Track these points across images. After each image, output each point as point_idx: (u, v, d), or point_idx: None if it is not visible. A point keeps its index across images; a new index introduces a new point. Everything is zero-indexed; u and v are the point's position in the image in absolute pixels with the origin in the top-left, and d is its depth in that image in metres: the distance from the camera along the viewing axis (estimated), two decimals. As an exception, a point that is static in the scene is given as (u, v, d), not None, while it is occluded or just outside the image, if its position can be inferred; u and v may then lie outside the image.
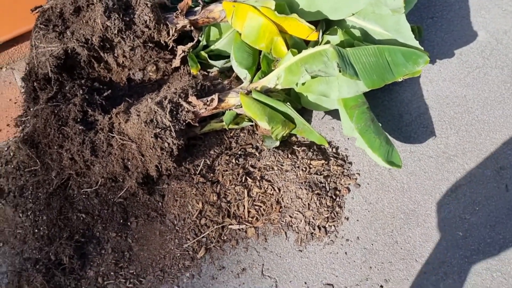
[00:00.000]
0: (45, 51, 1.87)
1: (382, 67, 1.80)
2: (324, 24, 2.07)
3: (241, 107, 1.93)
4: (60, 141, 1.87)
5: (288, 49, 1.92)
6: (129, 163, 1.84)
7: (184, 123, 1.86)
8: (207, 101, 1.88)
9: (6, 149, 2.12)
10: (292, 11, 2.03)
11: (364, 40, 2.00)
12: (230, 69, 2.19)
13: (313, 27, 1.90)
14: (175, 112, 1.85)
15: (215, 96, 1.88)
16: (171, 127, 1.81)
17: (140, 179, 1.87)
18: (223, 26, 2.16)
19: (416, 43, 1.84)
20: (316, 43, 2.00)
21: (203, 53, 2.17)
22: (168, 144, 1.82)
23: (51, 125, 1.86)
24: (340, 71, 1.72)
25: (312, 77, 1.80)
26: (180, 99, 1.87)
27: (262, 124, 1.84)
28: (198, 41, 2.13)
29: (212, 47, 2.20)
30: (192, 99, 1.87)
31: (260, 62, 2.04)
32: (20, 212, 1.96)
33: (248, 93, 1.92)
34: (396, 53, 1.81)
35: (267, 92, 1.94)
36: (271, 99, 1.87)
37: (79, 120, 1.87)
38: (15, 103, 2.26)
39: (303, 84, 1.86)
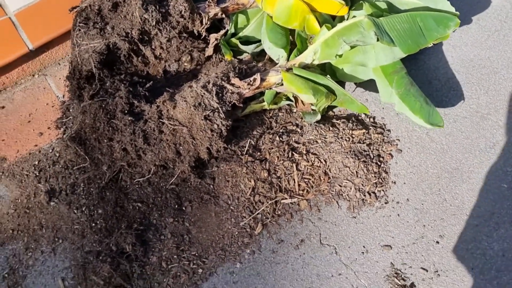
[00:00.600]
0: (88, 47, 1.92)
1: (416, 32, 1.87)
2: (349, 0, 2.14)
3: (281, 85, 2.00)
4: (110, 134, 1.91)
5: (318, 23, 1.99)
6: (181, 147, 1.89)
7: (230, 105, 1.92)
8: (250, 81, 1.94)
9: (51, 151, 2.16)
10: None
11: (390, 11, 2.08)
12: (260, 54, 2.27)
13: (342, 1, 1.97)
14: (220, 94, 1.90)
15: (257, 76, 1.94)
16: (219, 108, 1.87)
17: (192, 163, 1.92)
18: (250, 12, 2.23)
19: (448, 5, 1.92)
20: (342, 20, 2.08)
21: (233, 40, 2.23)
22: (217, 125, 1.88)
23: (100, 119, 1.90)
24: (377, 39, 1.80)
25: (350, 48, 1.87)
26: (223, 82, 1.93)
27: (307, 97, 1.89)
28: (225, 33, 2.20)
29: (240, 34, 2.26)
30: (235, 80, 1.93)
31: (293, 42, 2.11)
32: (74, 209, 1.99)
33: (288, 70, 1.98)
34: (427, 18, 1.89)
35: (305, 68, 2.01)
36: (312, 73, 1.94)
37: (126, 112, 1.92)
38: (53, 106, 2.30)
39: (340, 56, 1.92)
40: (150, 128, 1.88)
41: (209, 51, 2.18)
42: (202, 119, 1.84)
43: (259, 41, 2.24)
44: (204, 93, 1.87)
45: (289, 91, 1.97)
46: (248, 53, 2.24)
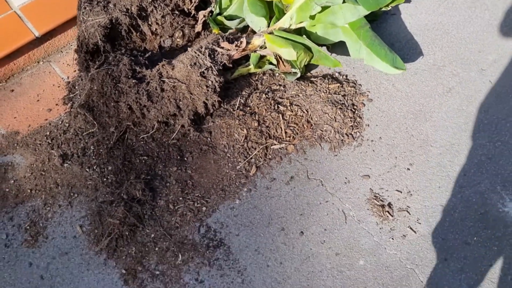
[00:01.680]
0: (93, 23, 2.19)
1: (375, -7, 2.21)
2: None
3: (265, 48, 2.30)
4: (117, 96, 2.17)
5: (293, -3, 2.31)
6: (180, 102, 2.16)
7: (221, 64, 2.20)
8: (237, 43, 2.23)
9: (60, 122, 2.39)
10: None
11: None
12: (243, 30, 2.57)
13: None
14: (212, 56, 2.19)
15: (243, 39, 2.24)
16: (212, 66, 2.15)
17: (191, 116, 2.18)
18: (233, -7, 2.54)
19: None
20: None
21: (219, 17, 2.54)
22: (212, 81, 2.15)
23: (107, 84, 2.16)
24: (343, 1, 2.12)
25: (321, 10, 2.19)
26: (214, 46, 2.22)
27: (287, 51, 2.19)
28: (212, 10, 2.50)
29: (224, 14, 2.57)
30: (224, 44, 2.23)
31: (272, 12, 2.42)
32: (86, 168, 2.22)
33: (269, 34, 2.29)
34: (385, -19, 2.23)
35: (284, 31, 2.32)
36: (291, 34, 2.25)
37: (130, 76, 2.18)
38: (58, 87, 2.54)
39: (313, 18, 2.24)
40: (153, 88, 2.14)
41: (199, 27, 2.48)
42: (198, 76, 2.12)
43: (242, 19, 2.55)
44: (198, 55, 2.15)
45: (272, 50, 2.27)
46: (233, 28, 2.54)
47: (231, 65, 2.27)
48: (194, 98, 2.16)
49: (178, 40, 2.47)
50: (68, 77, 2.57)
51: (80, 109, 2.25)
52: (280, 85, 2.40)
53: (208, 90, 2.15)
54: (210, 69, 2.15)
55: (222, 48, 2.23)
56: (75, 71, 2.58)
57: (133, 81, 2.15)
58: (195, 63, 2.14)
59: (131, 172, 2.17)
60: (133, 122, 2.21)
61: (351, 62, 2.50)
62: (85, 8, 2.21)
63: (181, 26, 2.44)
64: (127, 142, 2.24)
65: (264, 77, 2.44)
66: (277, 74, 2.45)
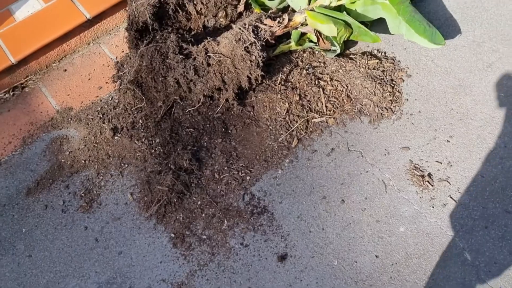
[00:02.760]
0: (143, 1, 2.31)
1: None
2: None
3: (306, 25, 2.37)
4: (165, 71, 2.28)
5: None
6: (225, 76, 2.25)
7: (264, 40, 2.29)
8: (279, 20, 2.31)
9: (110, 99, 2.52)
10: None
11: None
12: (283, 10, 2.65)
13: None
14: (256, 32, 2.28)
15: (285, 16, 2.32)
16: (255, 42, 2.24)
17: (236, 90, 2.27)
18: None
19: None
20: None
21: (260, -2, 2.62)
22: (255, 56, 2.24)
23: (156, 60, 2.28)
24: (384, -24, 2.18)
25: (361, -14, 2.25)
26: (257, 23, 2.30)
27: (328, 27, 2.25)
28: (254, -11, 2.59)
29: (265, -5, 2.65)
30: (267, 20, 2.31)
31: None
32: (135, 140, 2.34)
33: (310, 11, 2.36)
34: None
35: (324, 8, 2.38)
36: (332, 11, 2.31)
37: (177, 52, 2.29)
38: (108, 66, 2.68)
39: (353, -5, 2.30)
40: (199, 62, 2.25)
41: (241, 7, 2.57)
42: (242, 51, 2.21)
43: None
44: (242, 31, 2.25)
45: (313, 26, 2.34)
46: (273, 8, 2.62)
47: (273, 41, 2.35)
48: (238, 72, 2.25)
49: (221, 19, 2.57)
50: (116, 57, 2.70)
51: (129, 85, 2.37)
52: (320, 62, 2.47)
53: (252, 65, 2.24)
54: (253, 44, 2.24)
55: (265, 24, 2.31)
56: (123, 51, 2.71)
57: (181, 56, 2.26)
58: (239, 39, 2.23)
59: (178, 144, 2.28)
60: (180, 96, 2.32)
61: (390, 40, 2.54)
62: (135, -12, 2.33)
63: (224, 6, 2.53)
64: (174, 116, 2.35)
65: (304, 55, 2.51)
66: (316, 52, 2.52)
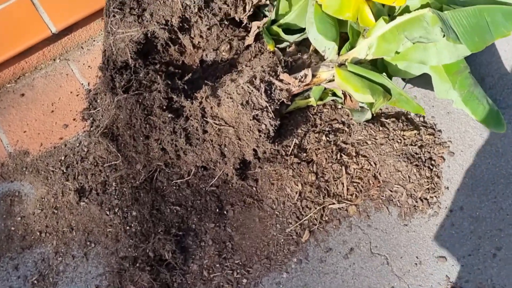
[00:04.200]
0: (124, 36, 1.75)
1: (483, 28, 1.72)
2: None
3: (332, 81, 1.85)
4: (148, 131, 1.77)
5: (372, 13, 1.83)
6: (225, 148, 1.75)
7: (278, 103, 1.77)
8: (301, 77, 1.79)
9: (78, 145, 2.01)
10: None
11: (449, 2, 1.92)
12: (301, 43, 2.11)
13: (400, -8, 1.80)
14: (269, 92, 1.76)
15: (308, 72, 1.80)
16: (268, 107, 1.73)
17: (237, 165, 1.79)
18: (294, -1, 2.06)
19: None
20: (393, 10, 1.93)
21: (275, 27, 2.07)
22: (265, 125, 1.74)
23: (137, 116, 1.76)
24: (443, 35, 1.65)
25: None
26: (271, 78, 1.77)
27: (363, 97, 1.75)
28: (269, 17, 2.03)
29: (281, 21, 2.10)
30: (284, 76, 1.78)
31: (342, 27, 1.96)
32: (106, 210, 1.86)
33: (340, 65, 1.83)
34: (495, 13, 1.74)
35: (357, 63, 1.86)
36: (369, 71, 1.79)
37: (165, 108, 1.77)
38: (77, 95, 2.13)
39: (398, 52, 1.78)
40: (193, 127, 1.73)
41: (250, 39, 2.02)
42: (250, 119, 1.70)
43: (302, 29, 2.08)
44: (252, 90, 1.72)
45: (343, 89, 1.83)
46: (289, 42, 2.08)
47: (289, 103, 1.83)
48: (242, 145, 1.75)
49: (224, 53, 2.02)
50: (88, 84, 2.15)
51: (101, 138, 1.86)
52: (343, 123, 1.97)
53: (260, 136, 1.74)
54: (265, 110, 1.72)
55: (281, 81, 1.79)
56: (97, 75, 2.15)
57: (169, 115, 1.74)
58: (247, 102, 1.72)
59: (160, 224, 1.82)
60: (165, 163, 1.83)
61: (430, 98, 2.05)
62: (114, 16, 1.76)
63: (229, 38, 1.98)
64: (157, 185, 1.87)
65: (325, 110, 2.01)
66: (339, 107, 2.02)
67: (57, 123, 2.08)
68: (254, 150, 1.77)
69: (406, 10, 1.86)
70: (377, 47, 1.79)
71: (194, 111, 1.75)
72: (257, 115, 1.71)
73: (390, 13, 1.94)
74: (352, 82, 1.75)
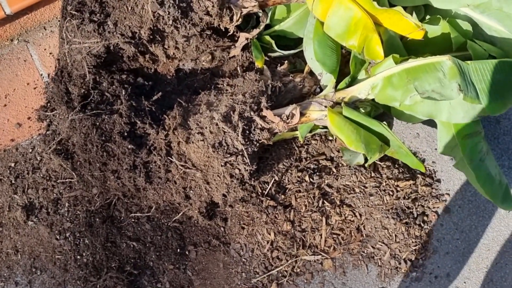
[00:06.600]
0: (81, 47, 1.46)
1: (508, 86, 1.45)
2: (423, 10, 1.67)
3: (322, 120, 1.59)
4: (104, 159, 1.53)
5: (382, 45, 1.53)
6: (191, 191, 1.53)
7: (257, 145, 1.52)
8: (286, 117, 1.52)
9: (31, 150, 1.78)
10: (386, -7, 1.61)
11: (473, 35, 1.61)
12: (297, 54, 1.83)
13: (419, 23, 1.49)
14: (247, 132, 1.50)
15: (296, 111, 1.53)
16: (244, 151, 1.48)
17: (203, 209, 1.57)
18: (293, 4, 1.74)
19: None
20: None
21: (267, 37, 1.77)
22: (239, 170, 1.50)
23: (93, 141, 1.51)
24: (460, 94, 1.38)
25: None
26: (252, 113, 1.51)
27: (357, 146, 1.50)
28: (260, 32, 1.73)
29: (276, 28, 1.80)
30: (268, 113, 1.52)
31: (343, 54, 1.67)
32: (56, 233, 1.68)
33: (334, 105, 1.56)
34: (527, 69, 1.45)
35: (356, 103, 1.59)
36: (366, 118, 1.53)
37: (126, 134, 1.52)
38: (35, 88, 1.87)
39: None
40: (155, 164, 1.50)
41: (236, 50, 1.73)
42: (222, 165, 1.46)
43: (298, 39, 1.79)
44: (226, 131, 1.47)
45: (333, 133, 1.57)
46: (283, 54, 1.79)
47: (271, 143, 1.58)
48: (210, 189, 1.53)
49: (204, 63, 1.73)
50: (48, 75, 1.88)
51: (53, 156, 1.62)
52: (331, 159, 1.74)
53: (232, 181, 1.52)
54: (240, 154, 1.48)
55: (263, 118, 1.53)
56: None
57: (129, 146, 1.50)
58: (220, 144, 1.47)
59: (114, 259, 1.64)
60: (124, 194, 1.61)
61: (434, 139, 1.81)
62: (70, 20, 1.45)
63: (211, 49, 1.68)
64: (114, 213, 1.67)
65: (313, 142, 1.77)
66: (330, 138, 1.78)
67: (9, 120, 1.83)
68: (224, 195, 1.55)
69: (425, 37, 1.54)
70: (381, 91, 1.52)
71: (159, 144, 1.50)
72: (230, 161, 1.47)
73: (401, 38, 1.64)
74: (345, 132, 1.49)
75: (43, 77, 1.88)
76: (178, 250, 1.65)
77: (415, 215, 1.69)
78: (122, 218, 1.66)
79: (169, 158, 1.48)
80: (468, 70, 1.42)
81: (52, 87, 1.55)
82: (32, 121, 1.82)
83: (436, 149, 1.79)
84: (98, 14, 1.47)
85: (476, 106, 1.44)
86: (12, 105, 1.84)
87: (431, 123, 1.77)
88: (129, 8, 1.47)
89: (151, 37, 1.52)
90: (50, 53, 1.90)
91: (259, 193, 1.67)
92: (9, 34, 1.90)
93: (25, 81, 1.87)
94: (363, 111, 1.61)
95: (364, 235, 1.67)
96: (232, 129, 1.47)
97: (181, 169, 1.48)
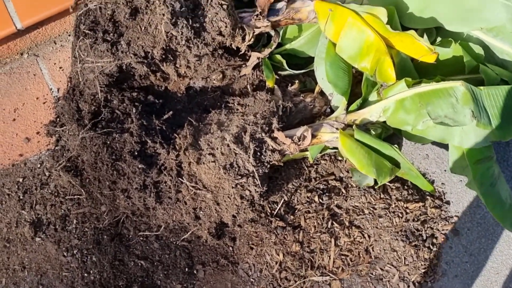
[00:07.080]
0: (93, 66, 1.46)
1: (521, 112, 1.45)
2: (434, 33, 1.67)
3: (334, 140, 1.59)
4: (114, 178, 1.53)
5: (394, 68, 1.54)
6: (201, 212, 1.53)
7: (268, 166, 1.52)
8: (298, 138, 1.52)
9: (39, 165, 1.77)
10: (399, 15, 1.61)
11: (485, 59, 1.62)
12: (307, 73, 1.83)
13: (432, 46, 1.49)
14: (259, 154, 1.50)
15: (308, 133, 1.53)
16: (255, 173, 1.48)
17: (212, 229, 1.57)
18: (305, 24, 1.75)
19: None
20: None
21: (278, 56, 1.77)
22: (250, 191, 1.50)
23: (103, 160, 1.51)
24: (473, 120, 1.38)
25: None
26: (263, 134, 1.51)
27: (368, 170, 1.50)
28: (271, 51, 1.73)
29: (287, 46, 1.80)
30: (279, 134, 1.52)
31: (354, 75, 1.67)
32: (64, 250, 1.67)
33: (346, 127, 1.56)
34: (540, 95, 1.45)
35: (367, 125, 1.59)
36: (378, 141, 1.53)
37: (136, 154, 1.51)
38: (44, 103, 1.86)
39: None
40: (166, 184, 1.50)
41: (247, 70, 1.72)
42: (232, 187, 1.46)
43: (309, 58, 1.79)
44: (237, 152, 1.46)
45: (344, 156, 1.57)
46: (293, 73, 1.79)
47: (281, 164, 1.58)
48: (220, 210, 1.53)
49: (214, 82, 1.73)
50: (58, 90, 1.88)
51: (62, 173, 1.62)
52: (341, 180, 1.74)
53: (242, 203, 1.51)
54: (251, 176, 1.48)
55: (275, 139, 1.52)
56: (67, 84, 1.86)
57: (140, 166, 1.50)
58: (231, 165, 1.47)
59: (121, 277, 1.63)
60: (133, 212, 1.61)
61: (443, 160, 1.81)
62: (84, 39, 1.45)
63: (223, 68, 1.68)
64: (122, 231, 1.66)
65: (322, 162, 1.76)
66: (340, 159, 1.77)
67: (18, 134, 1.82)
68: (234, 216, 1.54)
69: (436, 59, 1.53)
70: (393, 114, 1.52)
71: (169, 165, 1.50)
72: (240, 183, 1.46)
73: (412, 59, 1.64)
74: (357, 155, 1.49)
75: (52, 91, 1.87)
76: (186, 269, 1.64)
77: (424, 238, 1.68)
78: (130, 236, 1.65)
79: (180, 179, 1.48)
80: (481, 95, 1.42)
81: (64, 105, 1.54)
82: (40, 136, 1.82)
83: (445, 170, 1.79)
84: (111, 34, 1.46)
85: (488, 131, 1.44)
86: (21, 120, 1.84)
87: (441, 143, 1.76)
88: (143, 28, 1.46)
89: (163, 56, 1.51)
90: (60, 68, 1.90)
91: (268, 214, 1.66)
92: (19, 48, 1.90)
93: (35, 96, 1.87)
94: (373, 133, 1.61)
95: (372, 257, 1.66)
96: (244, 151, 1.47)
97: (192, 190, 1.47)
